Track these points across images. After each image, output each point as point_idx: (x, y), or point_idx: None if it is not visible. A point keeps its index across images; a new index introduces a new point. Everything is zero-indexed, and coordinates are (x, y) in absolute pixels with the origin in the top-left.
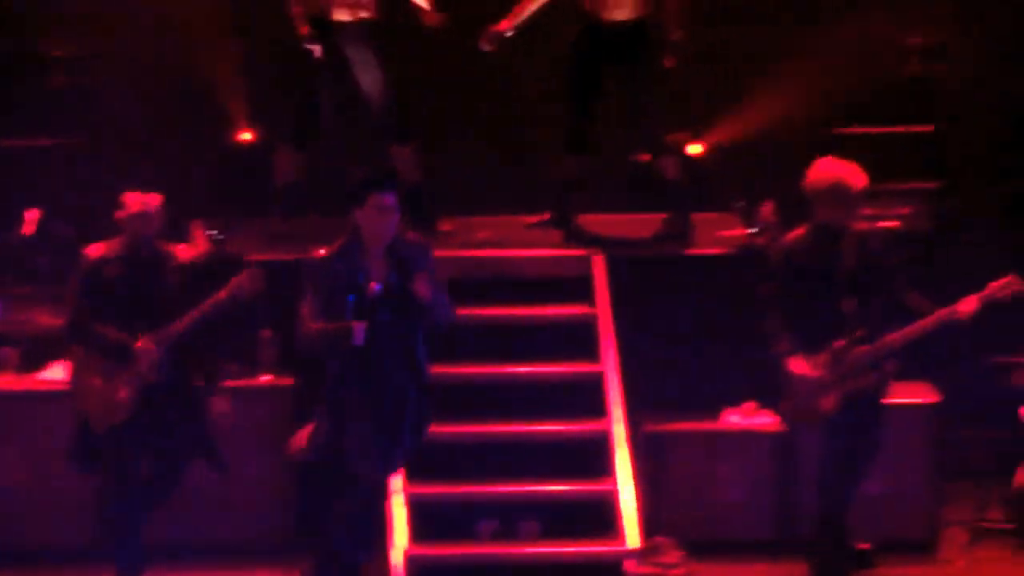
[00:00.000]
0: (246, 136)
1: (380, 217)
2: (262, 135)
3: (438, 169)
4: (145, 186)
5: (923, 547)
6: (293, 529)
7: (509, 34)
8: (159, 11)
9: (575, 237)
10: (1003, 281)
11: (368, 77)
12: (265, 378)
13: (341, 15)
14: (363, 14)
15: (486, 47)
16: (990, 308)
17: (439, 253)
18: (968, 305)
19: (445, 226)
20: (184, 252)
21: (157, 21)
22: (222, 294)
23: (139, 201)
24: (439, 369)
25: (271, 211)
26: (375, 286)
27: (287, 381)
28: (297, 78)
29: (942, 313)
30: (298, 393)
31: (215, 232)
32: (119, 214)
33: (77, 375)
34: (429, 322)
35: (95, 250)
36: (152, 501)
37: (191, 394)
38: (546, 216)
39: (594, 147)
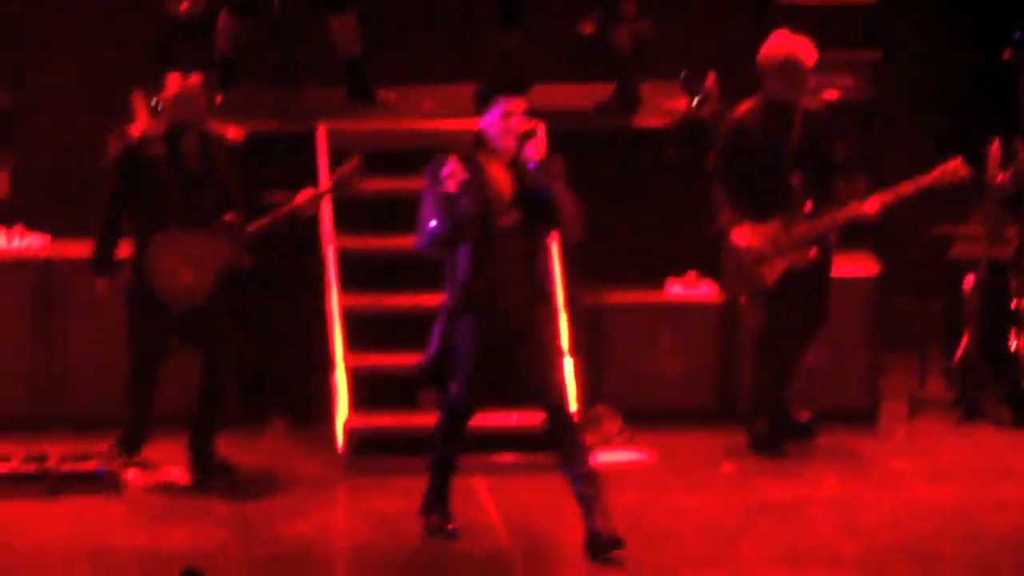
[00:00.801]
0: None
1: (507, 123)
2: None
3: (376, 40)
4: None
5: (864, 418)
6: None
7: None
8: None
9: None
10: (950, 166)
11: None
12: None
13: None
14: None
15: None
16: (936, 190)
17: (382, 125)
18: (872, 206)
19: (388, 96)
20: (233, 133)
21: None
22: (323, 187)
23: (179, 82)
24: (384, 242)
25: (213, 80)
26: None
27: None
28: None
29: (849, 210)
30: None
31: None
32: (161, 95)
33: (157, 254)
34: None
35: (136, 129)
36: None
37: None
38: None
39: (518, 21)
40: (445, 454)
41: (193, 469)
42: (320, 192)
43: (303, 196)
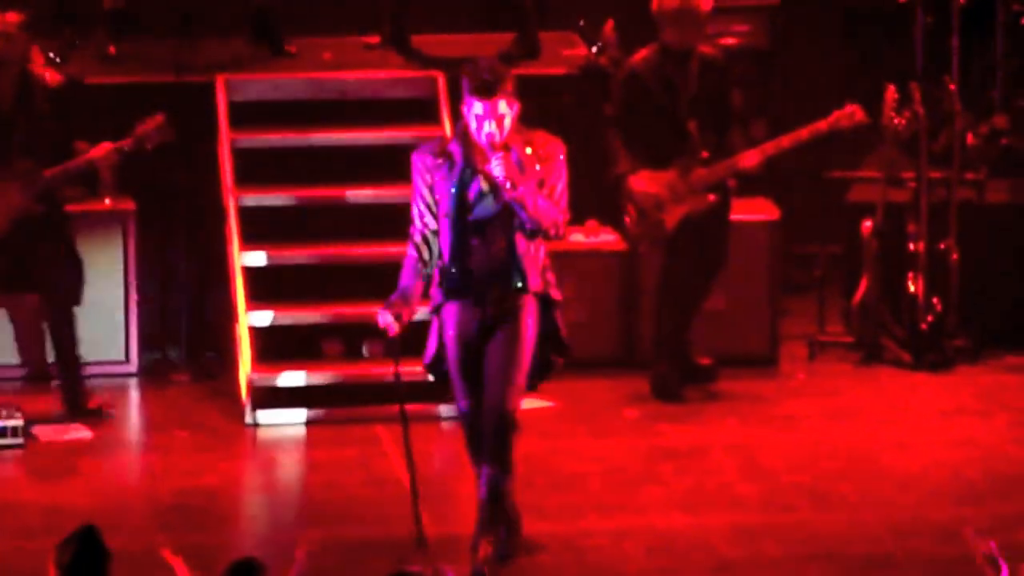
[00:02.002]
0: None
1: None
2: None
3: None
4: None
5: (764, 361)
6: None
7: None
8: None
9: (416, 57)
10: (846, 111)
11: None
12: (106, 201)
13: None
14: None
15: None
16: (834, 135)
17: (288, 75)
18: (752, 158)
19: (291, 47)
20: (52, 78)
21: None
22: (127, 142)
23: None
24: (285, 192)
25: (100, 33)
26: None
27: (127, 205)
28: None
29: (729, 162)
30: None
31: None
32: None
33: None
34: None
35: None
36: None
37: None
38: (377, 39)
39: None
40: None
41: (67, 415)
42: (119, 146)
43: (101, 149)
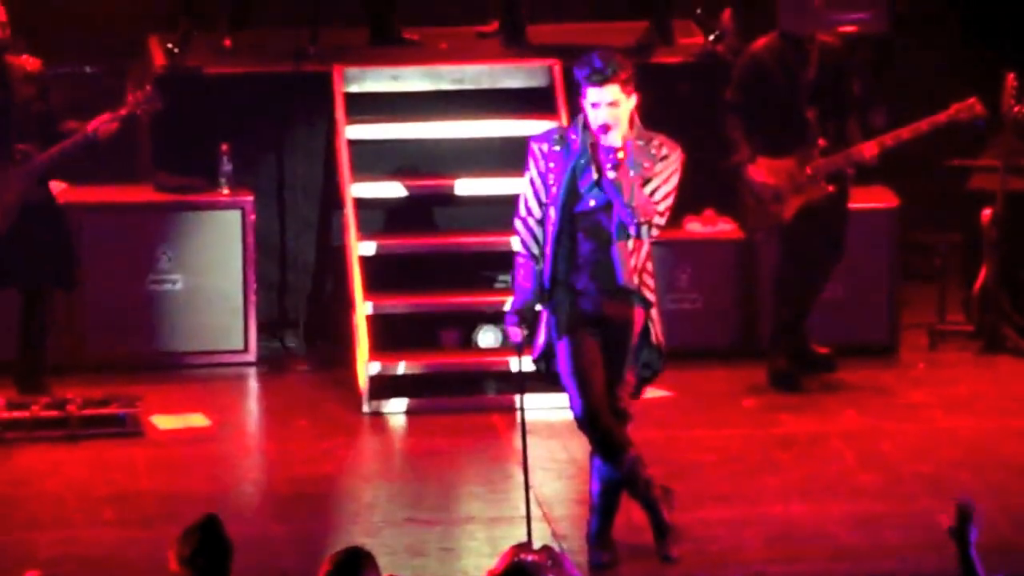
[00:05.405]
0: None
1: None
2: None
3: None
4: None
5: (884, 350)
6: None
7: None
8: None
9: (533, 47)
10: (966, 103)
11: None
12: (224, 192)
13: None
14: None
15: None
16: (953, 126)
17: (409, 64)
18: (870, 149)
19: (412, 35)
20: (31, 63)
21: None
22: (122, 110)
23: None
24: (405, 181)
25: (220, 24)
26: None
27: (245, 195)
28: None
29: (847, 152)
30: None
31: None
32: None
33: None
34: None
35: None
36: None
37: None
38: (494, 25)
39: None
40: (599, 473)
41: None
42: (115, 115)
43: (97, 120)
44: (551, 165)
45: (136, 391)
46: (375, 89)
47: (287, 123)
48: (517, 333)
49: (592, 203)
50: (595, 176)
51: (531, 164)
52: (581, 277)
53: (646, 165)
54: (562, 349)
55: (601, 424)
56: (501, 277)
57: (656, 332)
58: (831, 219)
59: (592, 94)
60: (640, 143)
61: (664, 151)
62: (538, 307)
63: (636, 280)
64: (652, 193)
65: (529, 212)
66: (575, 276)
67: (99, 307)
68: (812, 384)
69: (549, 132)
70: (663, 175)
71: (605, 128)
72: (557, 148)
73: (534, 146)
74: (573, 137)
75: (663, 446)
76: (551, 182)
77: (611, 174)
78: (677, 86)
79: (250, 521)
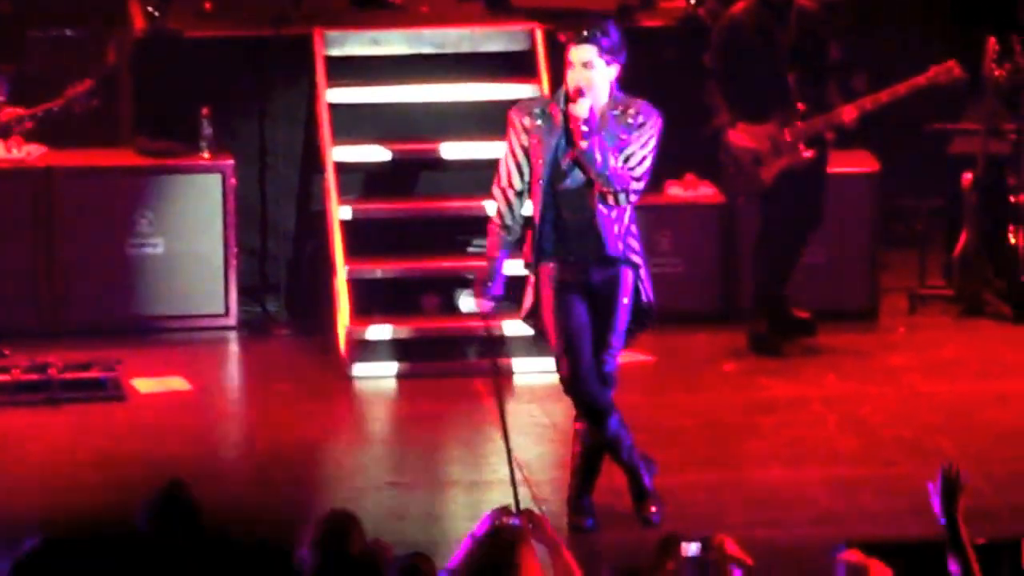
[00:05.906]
0: None
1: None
2: None
3: None
4: None
5: (864, 315)
6: None
7: None
8: None
9: (515, 11)
10: (944, 66)
11: None
12: (205, 156)
13: None
14: None
15: None
16: (931, 90)
17: (390, 27)
18: (849, 113)
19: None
20: None
21: None
22: (57, 102)
23: None
24: (386, 145)
25: None
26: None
27: (226, 158)
28: None
29: (827, 116)
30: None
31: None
32: None
33: None
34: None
35: None
36: None
37: None
38: None
39: None
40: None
41: None
42: (47, 107)
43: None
44: (533, 141)
45: (117, 355)
46: (356, 53)
47: (268, 87)
48: (483, 303)
49: (574, 179)
50: (567, 147)
51: (511, 135)
52: (568, 246)
53: (623, 136)
54: (549, 312)
55: (587, 387)
56: (476, 242)
57: (646, 290)
58: (810, 183)
59: (570, 53)
60: (615, 112)
61: (640, 118)
62: (525, 271)
63: (621, 246)
64: (627, 159)
65: (510, 183)
66: (562, 246)
67: (79, 270)
68: (792, 348)
69: (530, 103)
70: (639, 141)
71: (578, 92)
72: (539, 123)
73: (514, 117)
74: (554, 112)
75: (644, 411)
76: (534, 157)
77: (583, 143)
78: (663, 52)
79: (231, 485)
